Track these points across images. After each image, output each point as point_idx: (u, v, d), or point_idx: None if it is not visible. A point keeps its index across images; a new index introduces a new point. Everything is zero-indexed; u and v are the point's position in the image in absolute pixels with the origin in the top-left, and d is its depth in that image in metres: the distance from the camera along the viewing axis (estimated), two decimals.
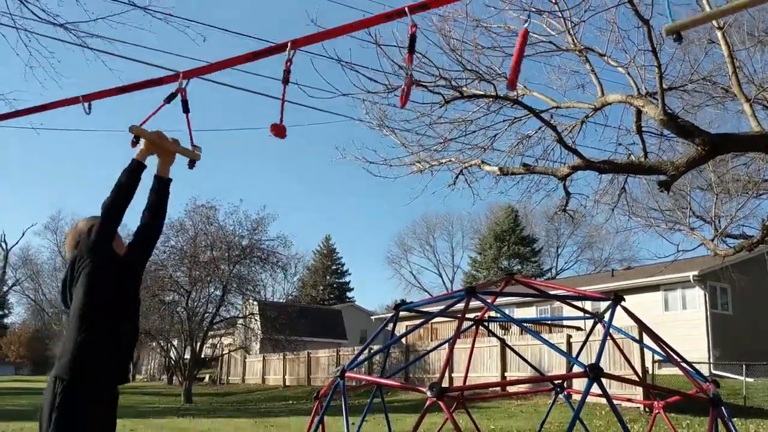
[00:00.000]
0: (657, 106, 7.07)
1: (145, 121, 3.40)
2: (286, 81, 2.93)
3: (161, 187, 3.61)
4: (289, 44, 2.90)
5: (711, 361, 22.55)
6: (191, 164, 3.61)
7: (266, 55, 3.03)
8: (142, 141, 3.41)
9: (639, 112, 7.83)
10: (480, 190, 9.38)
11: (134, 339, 3.64)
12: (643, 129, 8.24)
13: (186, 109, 3.45)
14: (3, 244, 64.47)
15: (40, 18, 8.52)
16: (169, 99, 3.36)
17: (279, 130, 3.03)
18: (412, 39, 2.73)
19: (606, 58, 8.18)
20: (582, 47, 8.05)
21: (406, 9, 2.63)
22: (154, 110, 3.41)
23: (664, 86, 7.20)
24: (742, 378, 18.80)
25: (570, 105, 8.55)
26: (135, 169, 3.37)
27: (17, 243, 77.48)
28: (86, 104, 3.55)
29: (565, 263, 61.79)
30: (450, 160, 8.96)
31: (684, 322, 24.20)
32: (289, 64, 2.90)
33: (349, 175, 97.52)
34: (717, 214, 12.14)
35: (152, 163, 3.54)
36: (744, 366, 18.79)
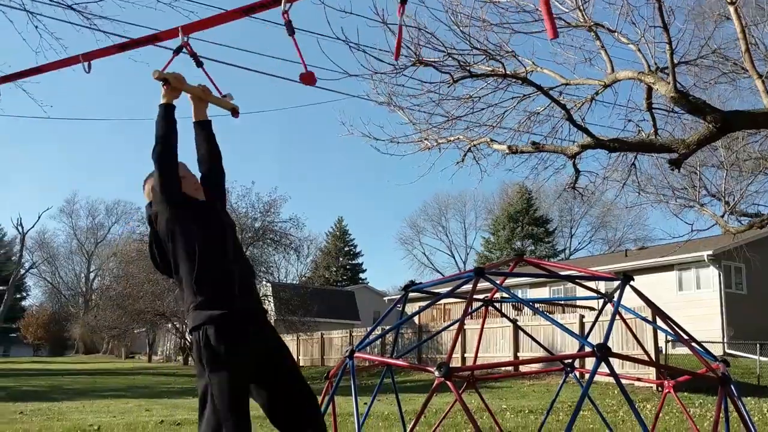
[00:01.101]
0: (668, 83, 6.98)
1: (163, 70, 3.38)
2: (291, 32, 2.94)
3: (204, 130, 3.55)
4: None
5: (725, 340, 22.47)
6: (234, 113, 3.60)
7: (262, 9, 3.01)
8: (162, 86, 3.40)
9: (650, 89, 7.74)
10: (487, 167, 9.29)
11: (249, 275, 3.43)
12: (654, 106, 8.15)
13: (198, 63, 3.47)
14: (19, 228, 65.04)
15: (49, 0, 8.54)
16: (178, 51, 3.39)
17: (308, 78, 3.04)
18: None
19: (616, 34, 8.08)
20: (592, 23, 7.95)
21: None
22: (168, 61, 3.42)
23: (675, 61, 7.11)
24: (756, 357, 18.73)
25: (579, 82, 8.46)
26: (165, 113, 3.33)
27: (33, 226, 78.04)
28: (86, 63, 3.56)
29: (579, 243, 61.65)
30: (458, 138, 8.92)
31: (698, 302, 24.10)
32: (286, 15, 2.89)
33: (360, 157, 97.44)
34: (729, 191, 12.03)
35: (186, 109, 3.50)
36: (758, 345, 18.71)
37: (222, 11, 3.24)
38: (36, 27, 8.94)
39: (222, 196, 3.61)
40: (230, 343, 3.08)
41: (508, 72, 7.93)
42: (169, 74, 3.36)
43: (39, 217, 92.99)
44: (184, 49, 3.38)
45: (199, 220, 3.30)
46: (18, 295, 73.26)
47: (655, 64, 7.84)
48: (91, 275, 71.90)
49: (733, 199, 11.97)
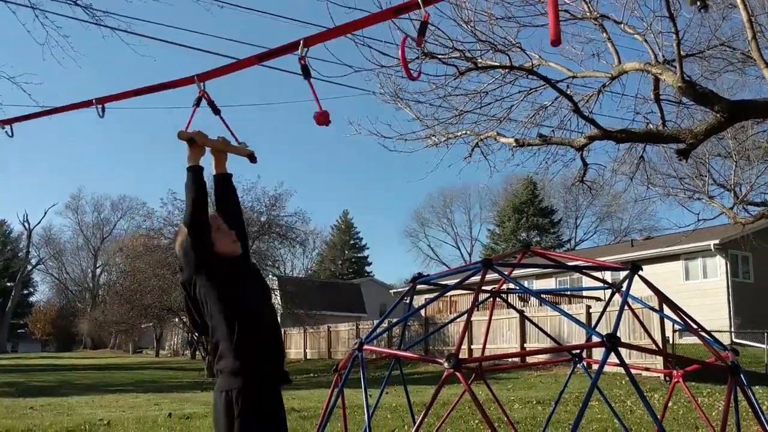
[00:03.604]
0: (675, 74, 6.96)
1: (187, 126, 3.38)
2: (307, 75, 2.94)
3: (227, 183, 3.57)
4: (301, 42, 2.90)
5: (733, 329, 22.45)
6: (252, 159, 3.61)
7: (279, 54, 3.05)
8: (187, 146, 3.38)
9: (657, 80, 7.72)
10: (496, 162, 9.28)
11: (278, 332, 3.53)
12: (661, 97, 8.13)
13: (216, 111, 3.45)
14: (26, 224, 65.31)
15: None
16: (197, 103, 3.40)
17: (321, 117, 3.08)
18: (423, 26, 2.71)
19: (623, 25, 8.05)
20: (598, 15, 7.92)
21: (420, 1, 2.58)
22: (190, 116, 3.41)
23: (682, 53, 7.09)
24: (764, 346, 18.70)
25: (586, 74, 8.44)
26: (194, 176, 3.30)
27: (39, 222, 78.47)
28: (99, 107, 3.54)
29: (585, 234, 61.62)
30: (465, 133, 8.90)
31: (705, 291, 24.08)
32: (303, 61, 2.90)
33: (366, 151, 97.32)
34: (737, 181, 12.00)
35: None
36: (766, 334, 18.67)
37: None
38: (42, 24, 9.00)
39: (246, 243, 3.60)
40: (264, 400, 3.19)
41: (514, 65, 7.91)
42: (193, 133, 3.35)
43: (45, 213, 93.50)
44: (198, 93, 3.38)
45: (237, 282, 3.30)
46: (25, 291, 73.63)
47: (663, 56, 7.81)
48: (98, 271, 72.22)
49: (741, 190, 11.94)
